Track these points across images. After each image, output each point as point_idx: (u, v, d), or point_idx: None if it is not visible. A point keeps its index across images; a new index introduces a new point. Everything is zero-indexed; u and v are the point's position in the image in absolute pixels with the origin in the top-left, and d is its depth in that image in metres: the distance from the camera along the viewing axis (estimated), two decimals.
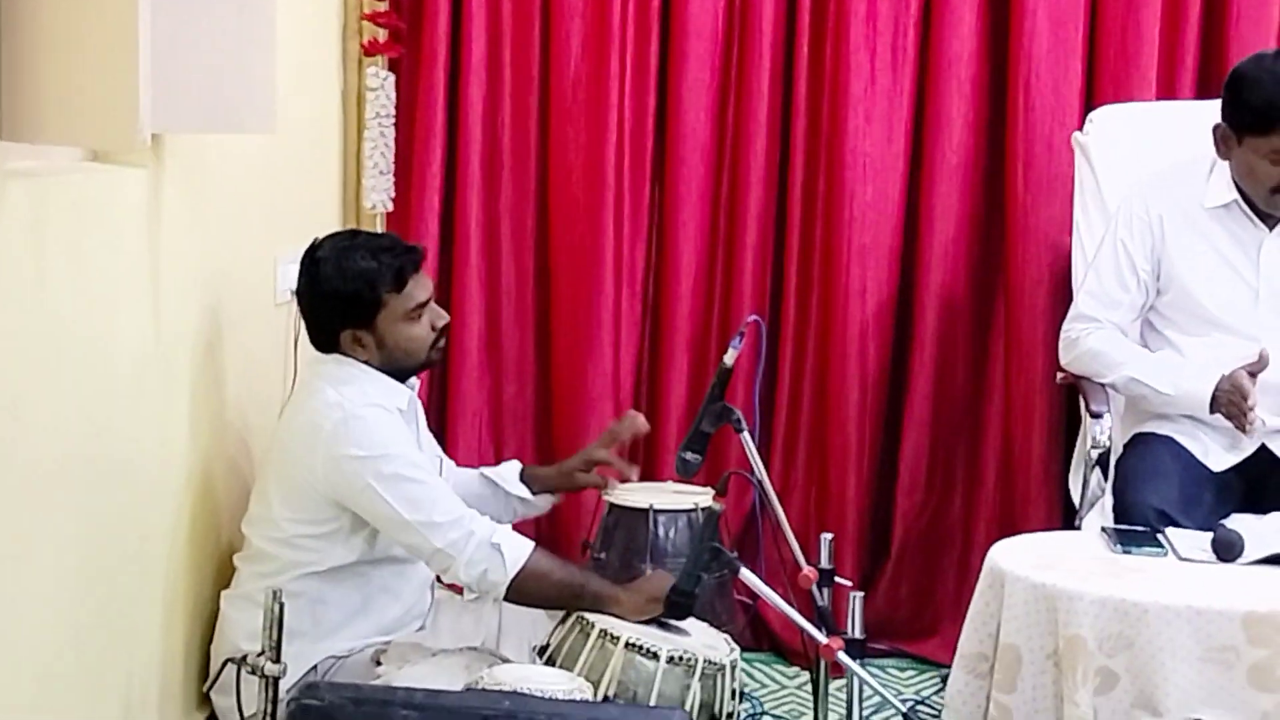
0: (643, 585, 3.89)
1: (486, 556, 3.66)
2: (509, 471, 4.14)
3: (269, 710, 3.36)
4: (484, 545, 3.66)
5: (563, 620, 3.80)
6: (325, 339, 3.78)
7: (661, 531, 4.23)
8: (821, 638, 3.47)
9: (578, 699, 3.33)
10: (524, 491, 4.09)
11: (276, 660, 3.35)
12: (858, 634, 3.59)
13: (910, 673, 4.71)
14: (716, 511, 3.66)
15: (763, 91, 4.74)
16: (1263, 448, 3.99)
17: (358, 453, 3.63)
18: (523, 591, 3.70)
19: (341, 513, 3.69)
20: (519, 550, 3.69)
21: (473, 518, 3.71)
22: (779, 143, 4.80)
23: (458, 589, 3.99)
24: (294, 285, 3.86)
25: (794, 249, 4.80)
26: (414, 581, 3.87)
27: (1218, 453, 4.01)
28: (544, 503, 4.14)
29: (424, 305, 3.80)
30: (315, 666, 3.69)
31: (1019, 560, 3.47)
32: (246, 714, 3.46)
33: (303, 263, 3.78)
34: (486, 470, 4.16)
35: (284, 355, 4.05)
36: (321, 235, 3.82)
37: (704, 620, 3.95)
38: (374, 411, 3.69)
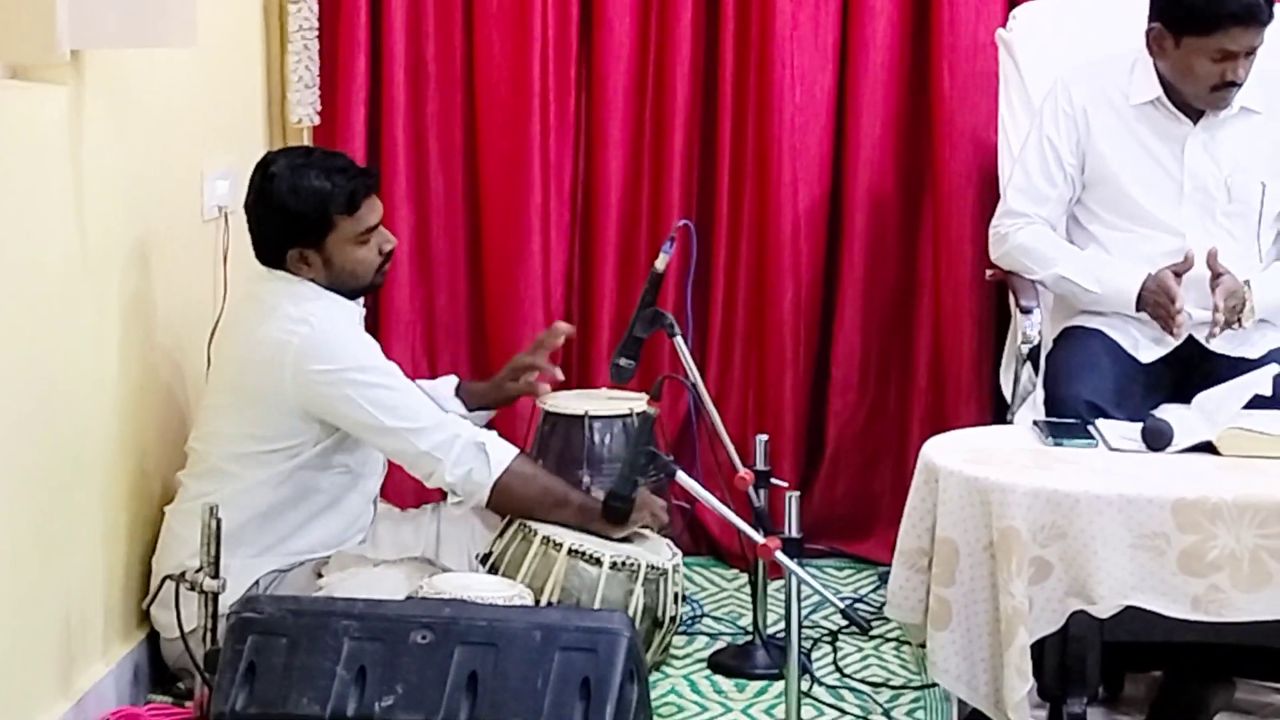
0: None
1: (472, 457, 3.69)
2: (445, 387, 4.14)
3: (209, 625, 3.38)
4: (470, 446, 3.69)
5: (504, 529, 3.82)
6: (271, 254, 3.77)
7: (597, 438, 4.24)
8: (758, 538, 3.49)
9: (518, 605, 3.36)
10: (460, 408, 4.10)
11: (215, 575, 3.36)
12: (794, 533, 3.62)
13: (848, 571, 4.75)
14: (651, 415, 3.68)
15: None
16: (1190, 339, 4.01)
17: (332, 365, 3.63)
18: (506, 494, 3.72)
19: (310, 426, 3.69)
20: (503, 452, 3.71)
21: (455, 420, 3.74)
22: (704, 47, 4.79)
23: (401, 501, 4.01)
24: (221, 201, 3.84)
25: (725, 152, 4.78)
26: (360, 494, 3.88)
27: (1146, 345, 4.04)
28: (479, 420, 4.15)
29: (374, 229, 3.79)
30: (258, 581, 3.70)
31: (952, 455, 3.50)
32: (186, 629, 3.47)
33: (254, 177, 3.75)
34: (422, 383, 4.16)
35: (213, 271, 4.03)
36: (272, 150, 3.81)
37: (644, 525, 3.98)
38: (341, 324, 3.70)
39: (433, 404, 3.79)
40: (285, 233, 3.72)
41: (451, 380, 4.18)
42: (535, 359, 4.17)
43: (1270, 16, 3.89)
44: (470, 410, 4.12)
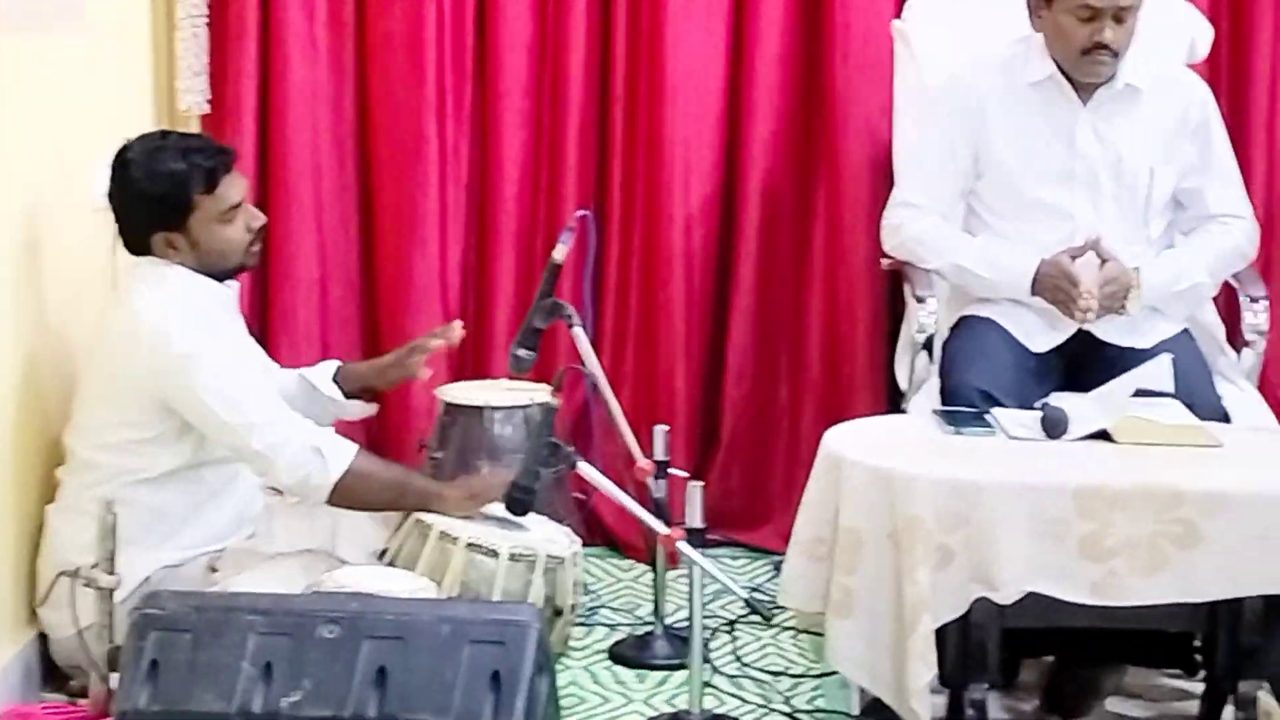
0: (468, 481, 3.90)
1: (307, 460, 3.64)
2: (323, 371, 4.09)
3: (107, 622, 3.33)
4: (304, 449, 3.64)
5: (400, 524, 3.80)
6: (138, 242, 3.73)
7: (497, 429, 4.23)
8: (663, 529, 3.50)
9: (424, 598, 3.33)
10: (335, 393, 4.04)
11: (111, 571, 3.32)
12: (698, 523, 3.63)
13: (743, 560, 4.75)
14: (553, 406, 3.67)
15: None
16: (1081, 329, 4.05)
17: (177, 351, 3.59)
18: (348, 494, 3.68)
19: (169, 415, 3.65)
20: (341, 454, 3.67)
21: (292, 420, 3.68)
22: (600, 37, 4.78)
23: None
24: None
25: (617, 143, 4.78)
26: (244, 485, 3.83)
27: (1039, 334, 4.06)
28: (356, 409, 4.09)
29: (237, 207, 3.75)
30: (149, 577, 3.65)
31: (855, 445, 3.52)
32: (81, 627, 3.42)
33: (112, 166, 3.71)
34: (305, 371, 4.11)
35: (105, 259, 3.96)
36: (132, 138, 3.75)
37: (543, 515, 3.97)
38: (192, 310, 3.65)
39: (274, 401, 3.73)
40: (148, 218, 3.69)
41: (331, 364, 4.13)
42: (425, 344, 4.11)
43: None
44: (350, 393, 4.07)
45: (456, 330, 4.13)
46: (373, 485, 3.73)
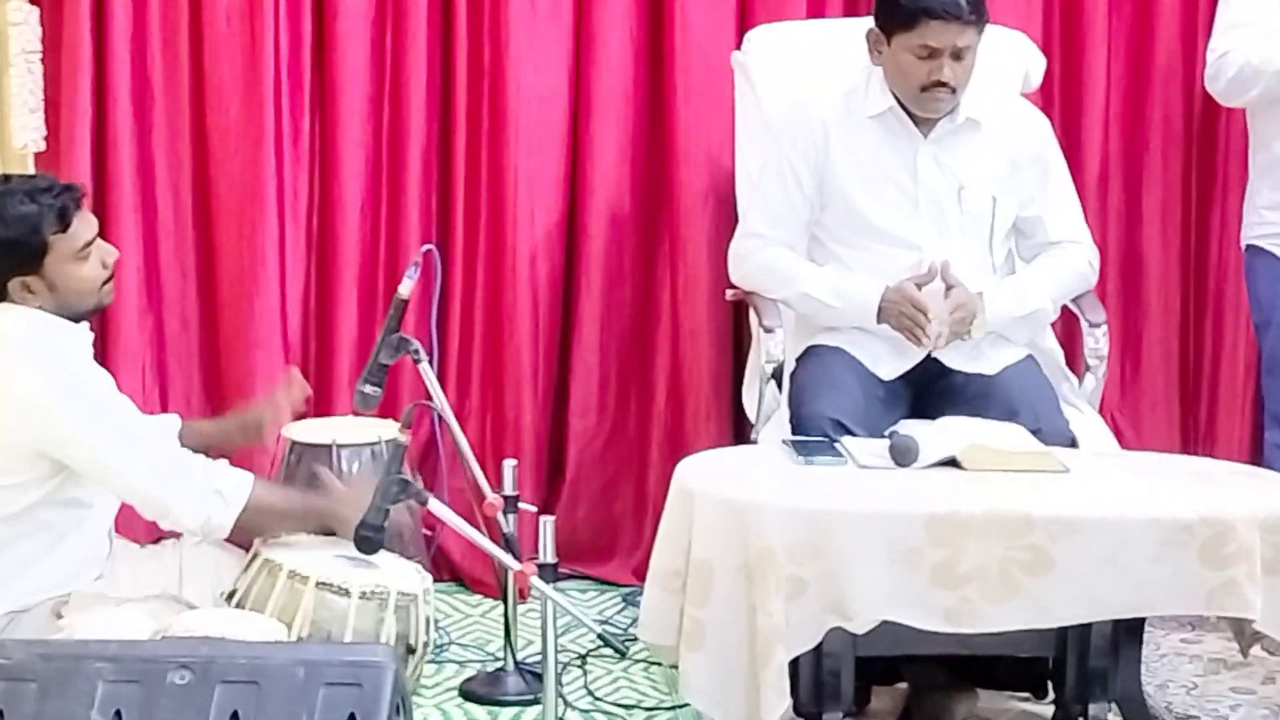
0: (352, 488, 3.84)
1: (206, 500, 3.58)
2: (166, 426, 4.02)
3: None
4: (203, 489, 3.58)
5: (248, 564, 3.74)
6: None
7: (345, 466, 4.18)
8: (515, 564, 3.48)
9: (276, 640, 3.28)
10: None
11: None
12: (549, 558, 3.61)
13: (591, 593, 4.74)
14: (403, 444, 3.64)
15: (421, 19, 4.70)
16: (929, 356, 4.08)
17: (52, 402, 3.51)
18: (249, 527, 3.64)
19: (39, 461, 3.56)
20: (239, 489, 3.62)
21: (187, 460, 3.62)
22: (440, 69, 4.77)
23: (140, 537, 3.90)
24: None
25: (459, 176, 4.77)
26: (93, 527, 3.75)
27: (886, 361, 4.09)
28: None
29: (91, 243, 3.69)
30: None
31: (707, 476, 3.53)
32: None
33: None
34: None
35: None
36: None
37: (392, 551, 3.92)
38: (59, 357, 3.57)
39: (164, 442, 3.68)
40: (2, 264, 3.61)
41: (173, 421, 4.05)
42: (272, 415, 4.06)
43: (975, 17, 3.96)
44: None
45: (299, 388, 4.07)
46: (273, 515, 3.68)
